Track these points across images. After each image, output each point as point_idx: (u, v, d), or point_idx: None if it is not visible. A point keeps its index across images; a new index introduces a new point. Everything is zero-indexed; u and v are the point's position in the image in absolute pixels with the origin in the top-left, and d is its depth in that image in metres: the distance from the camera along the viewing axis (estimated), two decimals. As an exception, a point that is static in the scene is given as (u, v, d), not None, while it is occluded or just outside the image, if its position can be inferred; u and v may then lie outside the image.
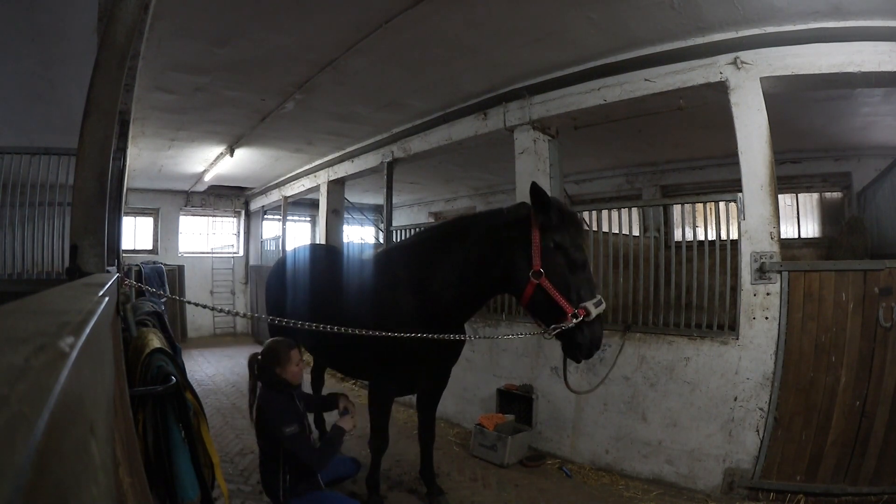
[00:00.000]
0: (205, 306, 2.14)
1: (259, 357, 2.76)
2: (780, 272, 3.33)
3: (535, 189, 2.44)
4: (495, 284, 2.66)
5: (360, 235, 11.05)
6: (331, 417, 4.30)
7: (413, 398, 3.51)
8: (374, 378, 3.08)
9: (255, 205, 11.52)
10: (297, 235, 12.42)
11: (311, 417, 4.28)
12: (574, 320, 2.32)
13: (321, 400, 3.15)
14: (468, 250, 2.65)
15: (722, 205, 3.74)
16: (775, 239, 3.41)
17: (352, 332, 2.36)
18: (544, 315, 2.47)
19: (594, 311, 2.34)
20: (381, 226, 7.22)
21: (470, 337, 2.86)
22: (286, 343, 2.73)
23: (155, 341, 2.30)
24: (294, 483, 2.60)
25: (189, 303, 2.21)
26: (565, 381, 2.66)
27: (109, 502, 0.76)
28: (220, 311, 2.57)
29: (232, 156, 7.40)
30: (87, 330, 0.56)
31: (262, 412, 2.61)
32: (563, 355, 2.56)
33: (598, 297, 2.43)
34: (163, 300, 3.55)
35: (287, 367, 2.67)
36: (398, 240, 6.23)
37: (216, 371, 7.48)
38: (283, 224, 9.96)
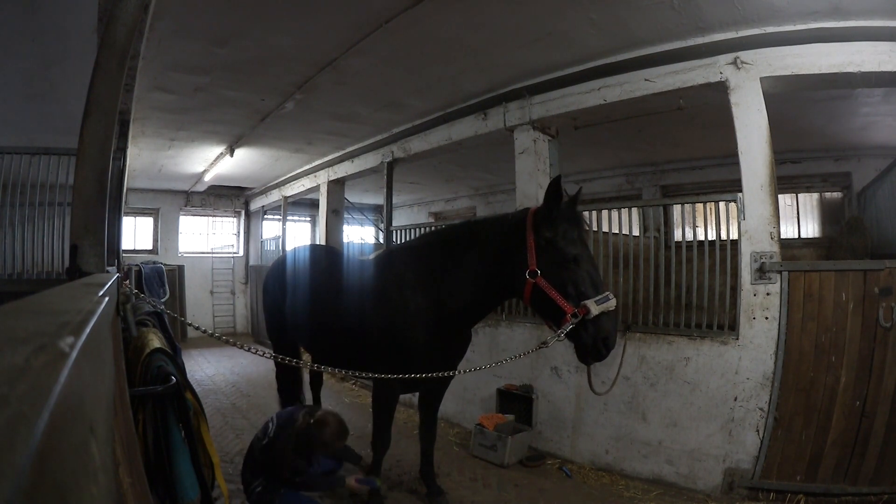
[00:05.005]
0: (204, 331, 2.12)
1: (311, 422, 2.80)
2: (780, 272, 3.33)
3: (551, 185, 2.39)
4: (504, 289, 2.63)
5: (360, 235, 11.04)
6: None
7: (413, 398, 3.49)
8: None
9: (255, 205, 11.51)
10: (297, 235, 12.41)
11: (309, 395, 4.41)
12: (574, 319, 2.24)
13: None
14: (478, 256, 2.64)
15: (722, 205, 3.74)
16: (775, 239, 3.41)
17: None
18: (549, 316, 2.42)
19: (595, 309, 2.21)
20: (381, 226, 7.22)
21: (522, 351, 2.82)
22: (344, 433, 2.86)
23: (155, 341, 2.29)
24: (263, 493, 2.71)
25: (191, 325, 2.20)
26: (589, 382, 2.51)
27: (109, 502, 0.76)
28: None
29: (232, 156, 7.40)
30: (87, 330, 0.56)
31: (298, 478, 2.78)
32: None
33: (605, 293, 2.29)
34: (162, 300, 3.54)
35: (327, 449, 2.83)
36: (398, 240, 6.23)
37: (216, 371, 7.47)
38: (283, 224, 9.96)
